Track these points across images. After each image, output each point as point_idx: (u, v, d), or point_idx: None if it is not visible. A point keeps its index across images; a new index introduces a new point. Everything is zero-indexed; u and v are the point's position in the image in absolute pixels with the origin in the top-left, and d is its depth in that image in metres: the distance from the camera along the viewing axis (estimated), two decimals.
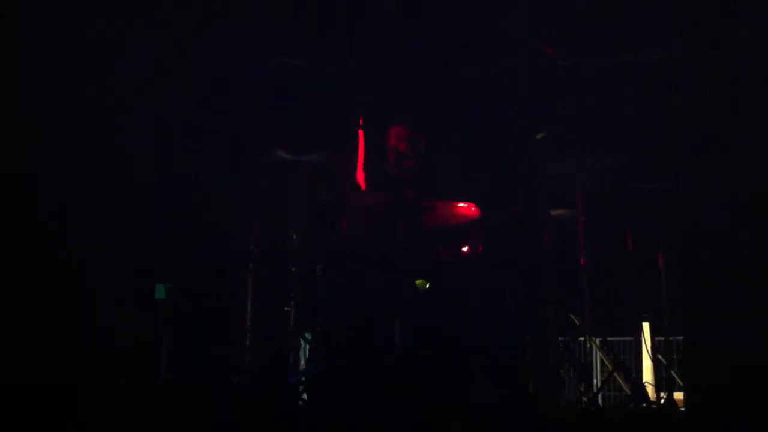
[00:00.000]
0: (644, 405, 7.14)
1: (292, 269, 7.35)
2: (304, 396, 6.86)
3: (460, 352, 6.29)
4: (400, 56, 7.04)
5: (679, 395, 7.26)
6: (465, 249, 7.07)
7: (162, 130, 5.98)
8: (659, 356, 7.70)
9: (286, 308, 7.57)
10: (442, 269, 6.60)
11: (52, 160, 5.19)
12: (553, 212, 7.78)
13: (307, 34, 6.89)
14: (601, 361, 8.36)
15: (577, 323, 7.84)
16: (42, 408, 4.81)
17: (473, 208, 7.01)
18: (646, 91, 7.01)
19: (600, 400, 7.76)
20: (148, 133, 5.63)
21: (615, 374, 7.98)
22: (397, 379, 6.03)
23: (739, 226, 5.60)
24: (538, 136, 7.56)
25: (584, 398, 7.48)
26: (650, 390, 7.45)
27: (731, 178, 5.58)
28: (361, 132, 7.33)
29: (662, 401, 7.30)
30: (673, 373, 7.61)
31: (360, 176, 7.34)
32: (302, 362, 7.51)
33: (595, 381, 8.22)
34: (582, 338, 7.93)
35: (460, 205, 7.03)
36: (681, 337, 7.34)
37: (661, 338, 7.70)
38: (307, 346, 7.39)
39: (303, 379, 7.09)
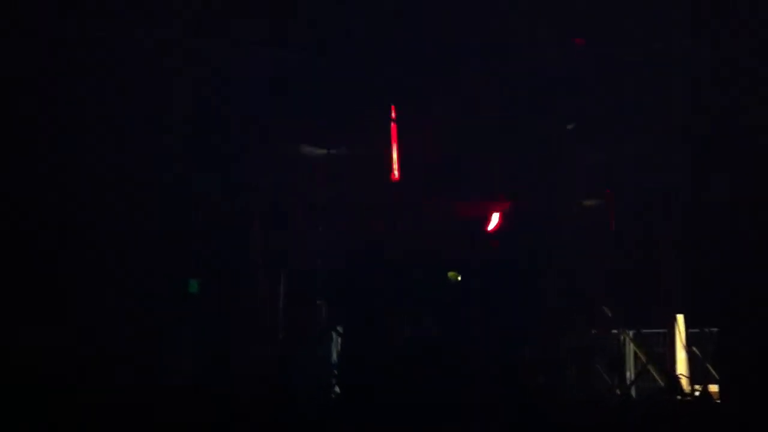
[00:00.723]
0: (678, 397, 7.06)
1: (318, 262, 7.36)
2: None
3: (463, 352, 6.26)
4: (420, 52, 6.98)
5: (714, 387, 7.15)
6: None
7: (163, 129, 6.00)
8: (694, 348, 7.59)
9: (318, 302, 7.58)
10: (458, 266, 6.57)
11: (52, 160, 5.24)
12: (585, 203, 7.68)
13: (323, 31, 6.84)
14: (635, 353, 8.23)
15: (610, 315, 7.74)
16: (42, 408, 4.86)
17: (496, 203, 6.98)
18: (647, 91, 6.90)
19: (633, 392, 7.68)
20: (149, 132, 5.65)
21: (649, 366, 7.88)
22: (399, 379, 6.02)
23: (744, 226, 5.53)
24: (569, 127, 7.47)
25: (617, 390, 7.42)
26: (685, 382, 7.34)
27: (732, 177, 5.51)
28: (393, 126, 7.28)
29: (697, 393, 7.18)
30: (708, 365, 7.48)
31: (394, 170, 7.28)
32: (334, 356, 7.53)
33: (628, 374, 8.10)
34: (615, 330, 7.83)
35: (482, 202, 7.00)
36: (716, 329, 7.26)
37: (696, 330, 7.59)
38: (339, 339, 7.39)
39: (335, 372, 7.11)
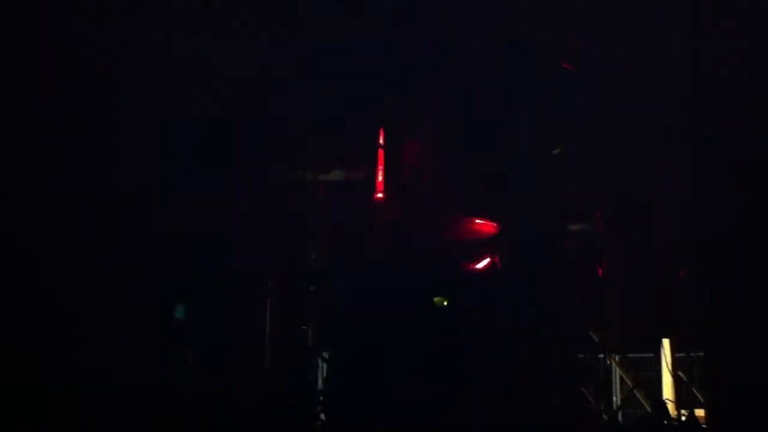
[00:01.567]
0: (665, 422, 7.05)
1: (311, 288, 7.29)
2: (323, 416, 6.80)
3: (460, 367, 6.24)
4: (411, 71, 7.00)
5: (700, 412, 7.15)
6: (483, 263, 7.03)
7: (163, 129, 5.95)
8: (680, 373, 7.60)
9: (303, 327, 7.51)
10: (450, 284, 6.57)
11: (52, 161, 5.20)
12: (573, 227, 7.68)
13: (314, 39, 6.82)
14: (621, 378, 8.24)
15: (596, 340, 7.74)
16: (42, 408, 4.79)
17: (490, 224, 6.99)
18: (647, 91, 6.96)
19: (620, 418, 7.66)
20: (149, 133, 5.62)
21: (635, 391, 7.89)
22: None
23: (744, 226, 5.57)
24: (555, 152, 7.50)
25: (604, 416, 7.40)
26: (671, 407, 7.34)
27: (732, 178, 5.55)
28: (380, 150, 7.27)
29: (683, 418, 7.18)
30: (694, 390, 7.49)
31: (380, 192, 7.27)
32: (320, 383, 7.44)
33: (615, 398, 8.09)
34: (602, 355, 7.83)
35: (477, 221, 7.00)
36: (702, 354, 7.27)
37: (682, 354, 7.60)
38: (324, 366, 7.32)
39: (321, 398, 7.03)
